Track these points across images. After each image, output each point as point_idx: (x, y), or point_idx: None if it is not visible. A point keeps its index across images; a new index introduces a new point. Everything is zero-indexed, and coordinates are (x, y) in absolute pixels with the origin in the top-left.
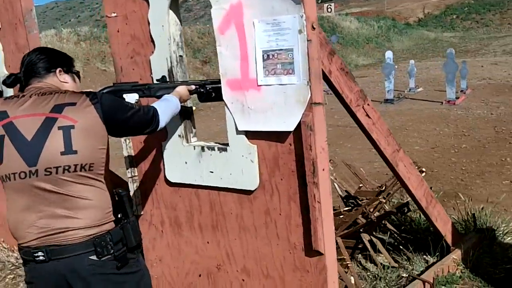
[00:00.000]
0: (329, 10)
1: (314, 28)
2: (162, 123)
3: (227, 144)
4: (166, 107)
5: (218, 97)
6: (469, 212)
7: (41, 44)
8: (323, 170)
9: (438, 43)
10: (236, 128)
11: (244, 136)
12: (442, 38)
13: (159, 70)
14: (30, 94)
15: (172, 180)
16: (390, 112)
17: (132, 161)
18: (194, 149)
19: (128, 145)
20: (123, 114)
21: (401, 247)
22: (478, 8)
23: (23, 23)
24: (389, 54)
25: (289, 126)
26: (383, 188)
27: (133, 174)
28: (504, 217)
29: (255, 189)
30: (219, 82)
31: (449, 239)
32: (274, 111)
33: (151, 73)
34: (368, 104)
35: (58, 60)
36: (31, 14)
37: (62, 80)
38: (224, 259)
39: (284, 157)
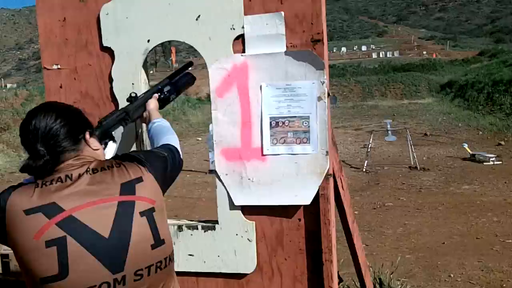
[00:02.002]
0: None
1: (329, 95)
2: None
3: (215, 221)
4: (175, 138)
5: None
6: (376, 277)
7: None
8: (334, 246)
9: None
10: (231, 203)
11: (240, 212)
12: None
13: (123, 136)
14: (78, 174)
15: None
16: None
17: None
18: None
19: None
20: (166, 170)
21: None
22: None
23: None
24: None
25: (304, 199)
26: None
27: None
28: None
29: (251, 272)
30: (167, 78)
31: None
32: (283, 184)
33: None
34: (343, 175)
35: (79, 121)
36: None
37: (94, 147)
38: None
39: (290, 233)
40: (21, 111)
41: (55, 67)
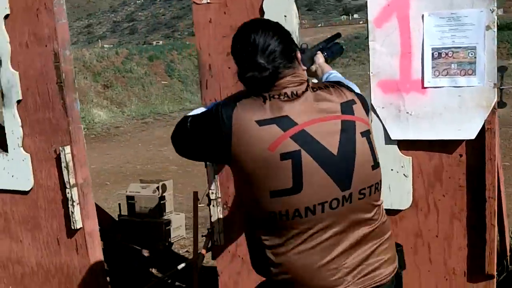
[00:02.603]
0: None
1: (497, 25)
2: None
3: None
4: (356, 87)
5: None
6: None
7: (70, 36)
8: (496, 183)
9: None
10: (386, 137)
11: (396, 146)
12: None
13: None
14: (302, 91)
15: None
16: None
17: (216, 179)
18: None
19: None
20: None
21: None
22: (354, 47)
23: (51, 9)
24: None
25: (468, 133)
26: None
27: (217, 195)
28: None
29: (405, 209)
30: (324, 42)
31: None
32: (444, 117)
33: None
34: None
35: (291, 40)
36: None
37: (303, 67)
38: None
39: (450, 169)
40: (122, 69)
41: (204, 1)
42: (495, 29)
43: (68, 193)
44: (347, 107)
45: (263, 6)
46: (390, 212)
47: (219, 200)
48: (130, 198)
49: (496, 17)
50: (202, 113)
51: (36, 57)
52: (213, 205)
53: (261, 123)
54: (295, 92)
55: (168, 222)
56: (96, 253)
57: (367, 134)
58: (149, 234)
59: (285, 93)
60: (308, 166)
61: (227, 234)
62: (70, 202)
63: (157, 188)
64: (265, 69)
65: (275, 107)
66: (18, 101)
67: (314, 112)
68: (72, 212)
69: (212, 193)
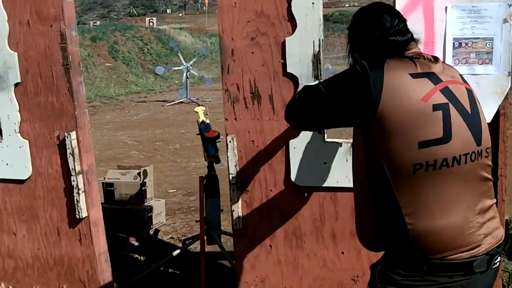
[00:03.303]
0: (151, 23)
1: None
2: None
3: None
4: None
5: None
6: None
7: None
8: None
9: None
10: None
11: None
12: None
13: (298, 54)
14: (431, 58)
15: (302, 184)
16: None
17: (237, 164)
18: (341, 146)
19: (233, 145)
20: None
21: None
22: None
23: None
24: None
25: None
26: None
27: (237, 180)
28: None
29: None
30: None
31: None
32: None
33: (282, 58)
34: None
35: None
36: None
37: None
38: (364, 269)
39: None
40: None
41: None
42: (511, 22)
43: (73, 181)
44: (464, 79)
45: None
46: None
47: (239, 184)
48: (109, 185)
49: None
50: (339, 75)
51: (38, 38)
52: (233, 190)
53: (414, 76)
54: (429, 58)
55: (150, 209)
56: (101, 242)
57: (480, 104)
58: (131, 221)
59: (424, 56)
60: (455, 119)
61: (246, 218)
62: (75, 190)
63: (138, 174)
64: (407, 32)
65: (423, 65)
66: (16, 84)
67: (448, 76)
68: (78, 201)
69: (233, 177)
